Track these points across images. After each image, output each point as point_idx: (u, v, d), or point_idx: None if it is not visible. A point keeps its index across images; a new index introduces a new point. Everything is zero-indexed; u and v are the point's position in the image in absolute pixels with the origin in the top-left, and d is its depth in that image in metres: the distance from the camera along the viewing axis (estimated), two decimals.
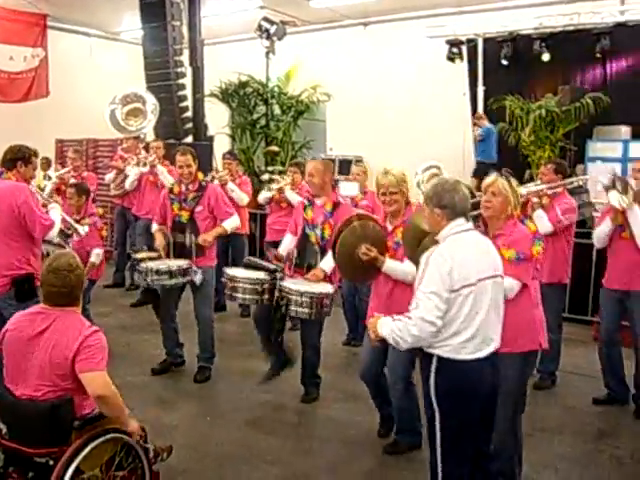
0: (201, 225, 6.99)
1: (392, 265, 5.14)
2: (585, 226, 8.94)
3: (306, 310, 5.81)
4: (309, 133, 14.80)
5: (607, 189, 6.27)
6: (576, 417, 6.41)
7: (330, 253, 5.91)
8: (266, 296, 5.96)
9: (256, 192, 9.74)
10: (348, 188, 8.00)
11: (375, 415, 5.94)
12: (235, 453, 5.48)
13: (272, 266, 6.11)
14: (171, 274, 6.64)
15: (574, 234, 7.17)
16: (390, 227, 5.35)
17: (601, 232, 6.50)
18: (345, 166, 14.81)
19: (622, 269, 6.38)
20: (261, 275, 6.03)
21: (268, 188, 9.14)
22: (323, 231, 6.29)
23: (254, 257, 6.89)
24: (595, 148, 12.08)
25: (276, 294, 5.92)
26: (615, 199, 6.17)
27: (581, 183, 7.65)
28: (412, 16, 15.37)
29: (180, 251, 6.98)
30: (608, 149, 11.95)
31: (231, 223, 7.15)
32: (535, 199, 6.68)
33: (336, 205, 6.37)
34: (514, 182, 4.75)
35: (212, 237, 6.97)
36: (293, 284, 5.93)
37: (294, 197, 8.63)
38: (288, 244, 6.57)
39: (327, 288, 5.95)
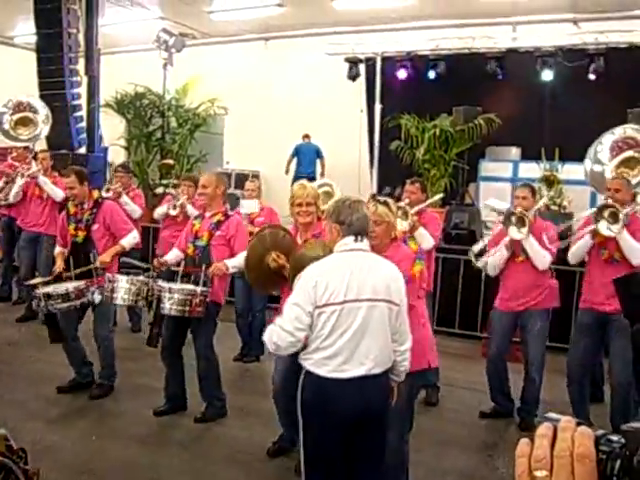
0: (99, 244, 6.83)
1: None
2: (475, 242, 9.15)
3: (176, 307, 5.86)
4: (206, 146, 14.72)
5: (505, 225, 6.45)
6: (463, 430, 6.52)
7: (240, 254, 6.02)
8: (142, 296, 6.06)
9: (153, 207, 9.61)
10: (247, 206, 8.15)
11: (266, 433, 5.89)
12: (122, 473, 5.32)
13: (144, 265, 6.14)
14: (64, 297, 6.42)
15: (465, 252, 7.35)
16: (300, 240, 5.41)
17: (498, 259, 6.65)
18: (241, 180, 14.79)
19: (518, 290, 6.57)
20: (139, 277, 6.14)
21: (173, 207, 8.99)
22: (202, 240, 6.28)
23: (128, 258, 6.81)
24: (487, 168, 12.46)
25: (149, 293, 6.03)
26: (515, 233, 6.36)
27: (436, 199, 7.92)
28: (313, 33, 15.53)
29: (80, 271, 6.77)
30: (499, 169, 12.35)
31: (129, 240, 7.01)
32: (415, 218, 6.85)
33: (224, 218, 6.37)
34: (391, 203, 4.79)
35: (110, 257, 6.79)
36: (164, 283, 6.00)
37: (194, 212, 8.60)
38: (174, 257, 6.54)
39: (198, 287, 5.97)
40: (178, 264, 6.41)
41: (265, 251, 5.26)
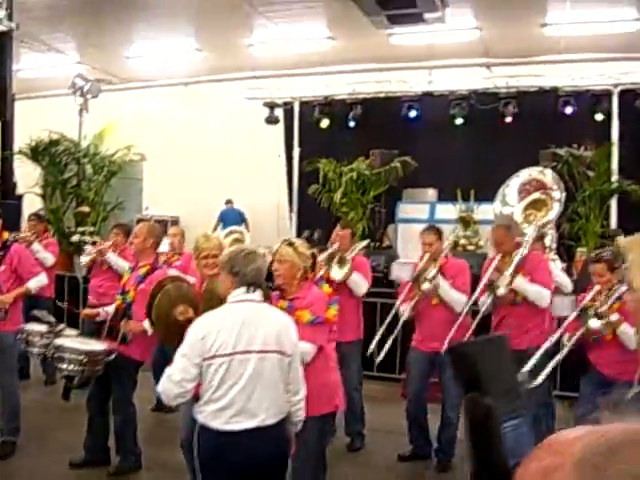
0: (4, 286, 6.59)
1: None
2: (393, 286, 9.19)
3: (73, 367, 5.71)
4: (124, 192, 14.50)
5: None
6: (382, 475, 6.51)
7: None
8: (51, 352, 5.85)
9: (68, 255, 9.41)
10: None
11: None
12: None
13: (51, 319, 6.02)
14: None
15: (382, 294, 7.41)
16: None
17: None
18: (161, 226, 14.66)
19: (434, 330, 6.58)
20: (43, 329, 5.99)
21: (87, 252, 8.89)
22: (129, 295, 6.15)
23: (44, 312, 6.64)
24: (404, 210, 12.61)
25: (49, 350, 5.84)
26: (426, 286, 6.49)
27: (364, 244, 7.95)
28: (231, 77, 15.63)
29: None
30: (416, 211, 12.51)
31: (36, 282, 6.80)
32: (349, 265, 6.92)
33: (152, 270, 6.21)
34: (301, 246, 4.84)
35: (11, 298, 6.58)
36: (63, 341, 5.83)
37: (116, 261, 8.43)
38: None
39: (97, 347, 5.88)
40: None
41: (171, 305, 5.19)
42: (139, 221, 15.17)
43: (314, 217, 13.17)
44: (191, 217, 15.33)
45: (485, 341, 1.62)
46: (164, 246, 8.19)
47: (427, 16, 11.15)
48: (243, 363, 3.75)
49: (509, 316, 6.33)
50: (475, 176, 12.35)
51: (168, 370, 3.77)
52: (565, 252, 11.55)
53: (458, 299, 6.48)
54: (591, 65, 13.18)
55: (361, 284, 6.92)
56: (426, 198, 12.96)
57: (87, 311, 6.65)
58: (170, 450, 6.45)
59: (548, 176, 7.09)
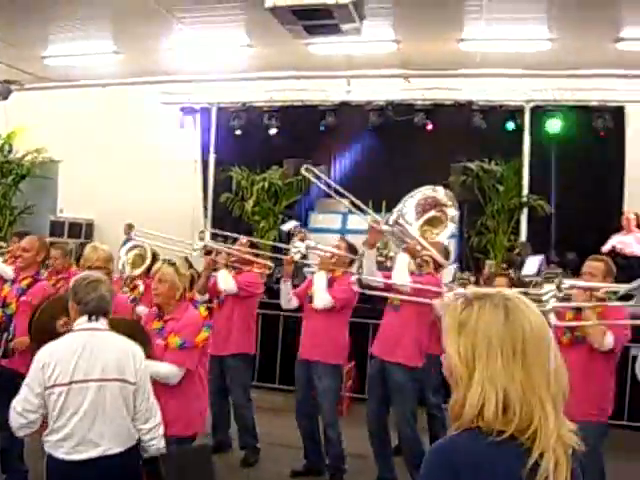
0: None
1: None
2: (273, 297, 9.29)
3: None
4: (38, 193, 14.23)
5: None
6: None
7: None
8: None
9: None
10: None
11: None
12: None
13: None
14: None
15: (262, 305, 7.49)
16: None
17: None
18: (75, 229, 14.43)
19: (308, 339, 6.75)
20: None
21: None
22: (9, 307, 6.03)
23: None
24: (316, 220, 12.66)
25: None
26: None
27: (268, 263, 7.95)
28: (150, 81, 15.42)
29: None
30: (329, 220, 12.56)
31: None
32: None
33: (34, 282, 6.14)
34: (181, 266, 4.90)
35: None
36: None
37: (3, 269, 8.23)
38: None
39: None
40: None
41: (54, 316, 5.10)
42: (53, 223, 14.99)
43: (228, 225, 13.10)
44: (105, 220, 15.10)
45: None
46: None
47: (344, 27, 11.18)
48: (82, 392, 3.70)
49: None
50: (388, 187, 12.41)
51: (13, 401, 3.72)
52: (473, 264, 11.75)
53: (324, 296, 6.60)
54: (505, 81, 13.42)
55: (225, 280, 6.99)
56: (339, 209, 12.99)
57: None
58: None
59: (440, 193, 7.19)
